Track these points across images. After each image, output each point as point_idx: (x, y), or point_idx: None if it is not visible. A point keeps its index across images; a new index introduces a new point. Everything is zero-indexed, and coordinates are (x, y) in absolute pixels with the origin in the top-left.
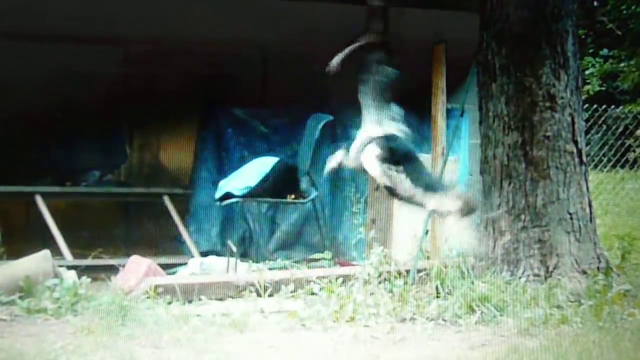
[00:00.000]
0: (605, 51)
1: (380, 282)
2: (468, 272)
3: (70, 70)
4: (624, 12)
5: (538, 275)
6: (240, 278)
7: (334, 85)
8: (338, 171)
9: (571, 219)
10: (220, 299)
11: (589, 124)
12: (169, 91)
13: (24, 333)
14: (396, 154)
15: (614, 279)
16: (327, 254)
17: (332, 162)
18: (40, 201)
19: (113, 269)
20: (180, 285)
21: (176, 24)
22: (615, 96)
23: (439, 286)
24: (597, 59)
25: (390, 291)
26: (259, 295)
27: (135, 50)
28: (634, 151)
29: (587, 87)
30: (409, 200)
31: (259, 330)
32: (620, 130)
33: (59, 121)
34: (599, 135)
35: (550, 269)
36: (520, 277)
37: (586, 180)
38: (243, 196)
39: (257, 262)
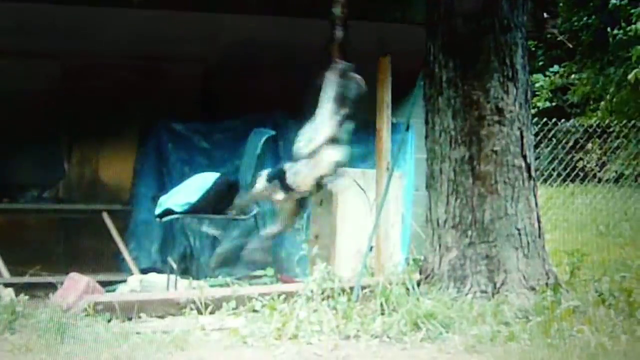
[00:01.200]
0: (556, 68)
1: (323, 299)
2: (413, 288)
3: (6, 85)
4: (576, 24)
5: (485, 292)
6: (181, 295)
7: (276, 99)
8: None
9: (519, 234)
10: (161, 317)
11: (539, 138)
12: (108, 106)
13: None
14: None
15: (562, 295)
16: (270, 271)
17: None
18: None
19: (51, 287)
20: (120, 303)
21: (115, 38)
22: (565, 110)
23: (384, 303)
24: (547, 73)
25: (334, 308)
26: (199, 312)
27: (72, 65)
28: (585, 165)
29: (536, 98)
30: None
31: (200, 348)
32: (570, 144)
33: None
34: (549, 149)
35: (498, 285)
36: (467, 294)
37: (535, 195)
38: (184, 212)
39: (198, 279)
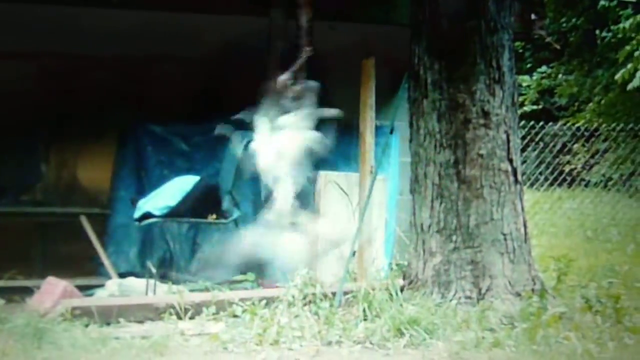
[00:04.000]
0: (543, 69)
1: (305, 305)
2: (397, 294)
3: None
4: (564, 25)
5: (470, 298)
6: (160, 300)
7: (257, 101)
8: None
9: (505, 239)
10: (140, 322)
11: (525, 141)
12: (86, 108)
13: None
14: None
15: (549, 301)
16: (250, 276)
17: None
18: None
19: (28, 291)
20: (98, 307)
21: (94, 38)
22: (552, 112)
23: (367, 309)
24: (534, 75)
25: (316, 314)
26: (179, 317)
27: (50, 65)
28: (573, 169)
29: (522, 98)
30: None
31: (180, 354)
32: (557, 147)
33: None
34: (536, 152)
35: (483, 291)
36: (451, 300)
37: (521, 200)
38: (163, 216)
39: (177, 283)
